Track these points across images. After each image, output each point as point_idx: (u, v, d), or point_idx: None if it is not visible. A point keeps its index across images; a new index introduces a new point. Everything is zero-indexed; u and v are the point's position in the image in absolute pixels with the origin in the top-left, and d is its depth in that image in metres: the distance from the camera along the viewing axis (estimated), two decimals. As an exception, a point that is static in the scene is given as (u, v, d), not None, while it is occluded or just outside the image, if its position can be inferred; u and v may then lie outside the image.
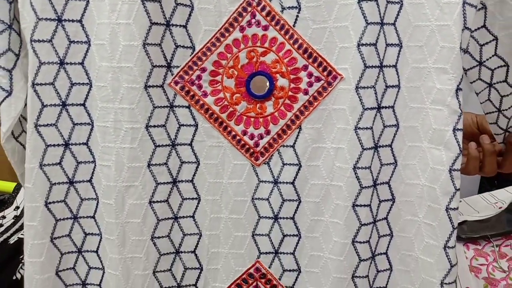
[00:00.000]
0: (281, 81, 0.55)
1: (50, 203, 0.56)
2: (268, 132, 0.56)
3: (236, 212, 0.57)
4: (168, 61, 0.54)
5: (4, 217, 0.97)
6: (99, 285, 0.59)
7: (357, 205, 0.54)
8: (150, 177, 0.55)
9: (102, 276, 0.59)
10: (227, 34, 0.54)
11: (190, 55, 0.54)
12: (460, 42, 0.51)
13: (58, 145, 0.55)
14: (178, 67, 0.54)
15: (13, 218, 0.96)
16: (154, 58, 0.52)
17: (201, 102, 0.55)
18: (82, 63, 0.54)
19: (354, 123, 0.53)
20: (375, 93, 0.53)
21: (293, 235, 0.57)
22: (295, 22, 0.53)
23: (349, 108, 0.53)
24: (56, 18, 0.52)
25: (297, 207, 0.57)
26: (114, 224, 0.55)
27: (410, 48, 0.53)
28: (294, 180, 0.56)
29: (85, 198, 0.57)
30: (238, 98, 0.55)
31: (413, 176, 0.56)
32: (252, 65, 0.55)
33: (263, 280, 0.58)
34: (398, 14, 0.53)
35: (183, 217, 0.58)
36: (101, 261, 0.59)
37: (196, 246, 0.59)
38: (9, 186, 1.03)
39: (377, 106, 0.54)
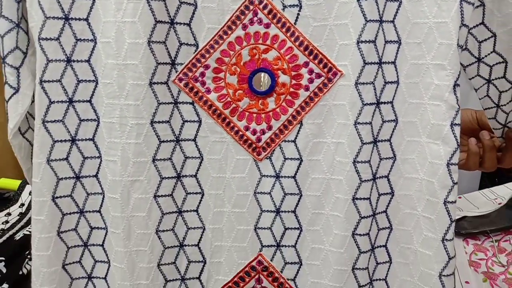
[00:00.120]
0: (283, 78, 0.56)
1: (57, 197, 0.57)
2: (270, 128, 0.57)
3: (239, 206, 0.58)
4: (173, 58, 0.55)
5: (9, 214, 0.98)
6: (105, 278, 0.60)
7: (357, 199, 0.55)
8: (155, 171, 0.56)
9: (108, 269, 0.60)
10: (229, 32, 0.55)
11: (194, 53, 0.55)
12: (458, 38, 0.52)
13: (65, 140, 0.56)
14: (182, 64, 0.55)
15: (18, 215, 0.97)
16: (158, 55, 0.53)
17: (204, 98, 0.57)
18: (88, 61, 0.55)
19: (353, 118, 0.54)
20: (374, 89, 0.54)
21: (295, 228, 0.58)
22: (296, 20, 0.54)
23: (349, 104, 0.54)
24: (63, 16, 0.53)
25: (299, 201, 0.58)
26: (119, 218, 0.56)
27: (409, 44, 0.54)
28: (296, 174, 0.57)
29: (91, 193, 0.58)
30: (240, 94, 0.57)
31: (411, 170, 0.57)
32: (254, 62, 0.56)
33: (265, 273, 0.59)
34: (397, 12, 0.53)
35: (187, 211, 0.59)
36: (106, 255, 0.60)
37: (200, 239, 0.60)
38: (14, 183, 1.05)
39: (376, 102, 0.54)
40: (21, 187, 1.03)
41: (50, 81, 0.54)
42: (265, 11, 0.55)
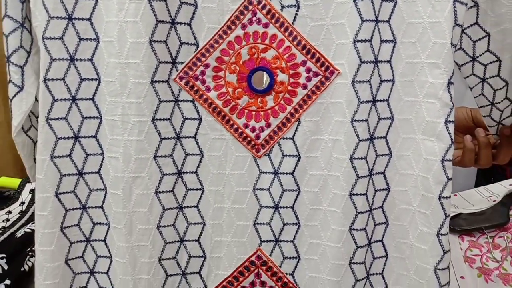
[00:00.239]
0: (281, 76, 0.57)
1: (60, 193, 0.58)
2: (268, 125, 0.58)
3: (238, 202, 0.59)
4: (173, 57, 0.56)
5: (10, 212, 0.99)
6: (107, 273, 0.61)
7: (353, 194, 0.56)
8: (156, 168, 0.57)
9: (110, 264, 0.61)
10: (229, 32, 0.56)
11: (194, 52, 0.56)
12: (451, 38, 0.53)
13: (68, 138, 0.57)
14: (183, 63, 0.56)
15: (19, 213, 0.98)
16: (160, 54, 0.54)
17: (204, 96, 0.58)
18: (91, 60, 0.56)
19: (350, 115, 0.55)
20: (371, 87, 0.55)
21: (293, 224, 0.59)
22: (294, 20, 0.55)
23: (345, 102, 0.55)
24: (67, 16, 0.54)
25: (297, 197, 0.59)
26: (121, 214, 0.57)
27: (404, 44, 0.55)
28: (294, 171, 0.58)
29: (94, 189, 0.59)
30: (240, 92, 0.58)
31: (407, 167, 0.58)
32: (253, 61, 0.57)
33: (264, 268, 0.60)
34: (392, 12, 0.55)
35: (188, 207, 0.60)
36: (108, 250, 0.60)
37: (200, 235, 0.60)
38: (14, 182, 1.05)
39: (372, 100, 0.56)
40: (21, 186, 1.04)
41: (53, 80, 0.55)
42: (264, 11, 0.56)
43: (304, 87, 0.57)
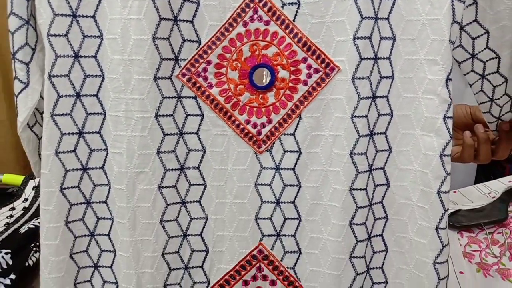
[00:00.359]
0: (282, 73, 0.58)
1: (65, 188, 0.58)
2: (270, 121, 0.59)
3: (240, 197, 0.60)
4: (176, 54, 0.56)
5: (13, 208, 1.00)
6: (111, 267, 0.62)
7: (354, 189, 0.57)
8: (159, 163, 0.58)
9: (114, 258, 0.61)
10: (231, 29, 0.57)
11: (197, 49, 0.57)
12: (450, 35, 0.54)
13: (73, 133, 0.58)
14: (185, 60, 0.57)
15: (22, 210, 0.99)
16: (163, 51, 0.55)
17: (206, 93, 0.58)
18: (95, 56, 0.57)
19: (350, 111, 0.55)
20: (370, 84, 0.56)
21: (294, 218, 0.60)
22: (294, 17, 0.56)
23: (345, 98, 0.56)
24: (71, 14, 0.55)
25: (298, 192, 0.59)
26: (125, 208, 0.58)
27: (403, 41, 0.56)
28: (295, 166, 0.59)
29: (98, 184, 0.60)
30: (241, 89, 0.58)
31: (406, 162, 0.58)
32: (255, 58, 0.58)
33: (265, 262, 0.61)
34: (391, 9, 0.55)
35: (190, 201, 0.60)
36: (112, 244, 0.61)
37: (203, 229, 0.61)
38: (17, 179, 1.06)
39: (372, 96, 0.56)
40: (25, 183, 1.04)
41: (58, 76, 0.56)
42: (265, 9, 0.56)
43: (305, 83, 0.57)
